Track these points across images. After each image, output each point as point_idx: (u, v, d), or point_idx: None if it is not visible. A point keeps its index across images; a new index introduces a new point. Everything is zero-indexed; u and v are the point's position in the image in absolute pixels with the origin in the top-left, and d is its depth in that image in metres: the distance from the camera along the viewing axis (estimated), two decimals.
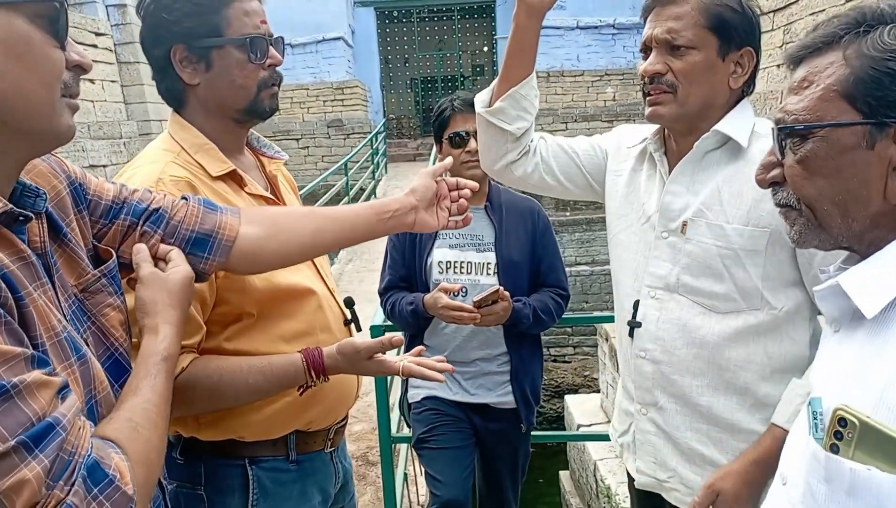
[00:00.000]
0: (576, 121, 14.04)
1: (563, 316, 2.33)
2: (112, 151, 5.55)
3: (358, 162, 12.08)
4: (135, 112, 7.32)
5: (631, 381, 1.54)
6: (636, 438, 1.54)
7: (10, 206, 0.76)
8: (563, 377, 10.99)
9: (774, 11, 4.62)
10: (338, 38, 15.32)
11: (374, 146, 13.31)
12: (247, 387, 1.22)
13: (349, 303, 1.46)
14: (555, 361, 11.58)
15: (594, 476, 5.44)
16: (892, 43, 0.75)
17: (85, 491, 0.68)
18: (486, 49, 20.28)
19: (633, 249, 1.51)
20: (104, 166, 4.85)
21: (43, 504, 0.65)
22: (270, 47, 1.31)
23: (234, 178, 1.32)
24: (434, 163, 9.90)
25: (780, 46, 4.59)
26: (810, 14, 4.25)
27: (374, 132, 13.82)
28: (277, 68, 1.33)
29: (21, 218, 0.77)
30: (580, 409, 6.54)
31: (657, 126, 1.49)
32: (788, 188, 0.85)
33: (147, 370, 0.89)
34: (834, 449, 0.74)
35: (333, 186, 9.86)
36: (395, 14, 18.45)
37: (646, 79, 1.38)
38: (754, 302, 1.35)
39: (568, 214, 13.33)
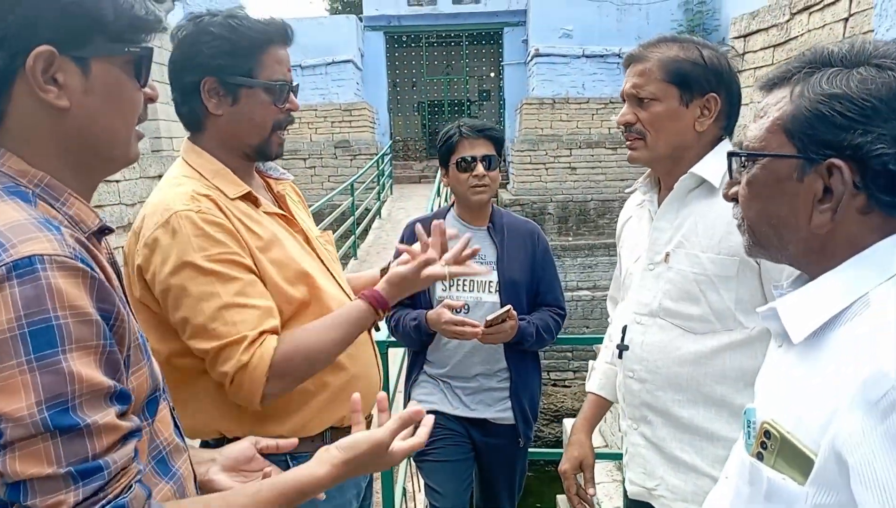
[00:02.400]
0: (580, 147, 14.17)
1: (566, 336, 2.41)
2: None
3: (364, 183, 12.21)
4: (147, 129, 7.45)
5: (623, 400, 1.65)
6: (628, 451, 1.65)
7: (104, 221, 0.89)
8: (562, 402, 10.99)
9: (774, 46, 4.74)
10: (347, 61, 15.54)
11: (381, 168, 13.44)
12: (334, 342, 1.36)
13: None
14: (554, 385, 11.58)
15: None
16: (826, 88, 0.81)
17: None
18: (492, 74, 20.52)
19: (633, 286, 1.64)
20: (117, 181, 4.97)
21: None
22: (291, 94, 1.44)
23: (249, 198, 1.42)
24: (439, 186, 9.89)
25: None
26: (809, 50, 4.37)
27: (380, 154, 13.96)
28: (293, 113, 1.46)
29: (106, 231, 0.90)
30: None
31: (648, 171, 1.66)
32: (739, 206, 0.94)
33: (281, 486, 0.96)
34: (759, 457, 0.83)
35: (339, 205, 9.97)
36: (404, 38, 18.72)
37: (622, 127, 1.56)
38: (728, 323, 1.46)
39: (570, 239, 13.42)
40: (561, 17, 14.84)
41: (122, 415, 0.80)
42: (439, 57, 20.47)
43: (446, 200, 11.27)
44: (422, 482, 4.14)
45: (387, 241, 10.47)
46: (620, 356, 1.63)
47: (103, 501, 0.76)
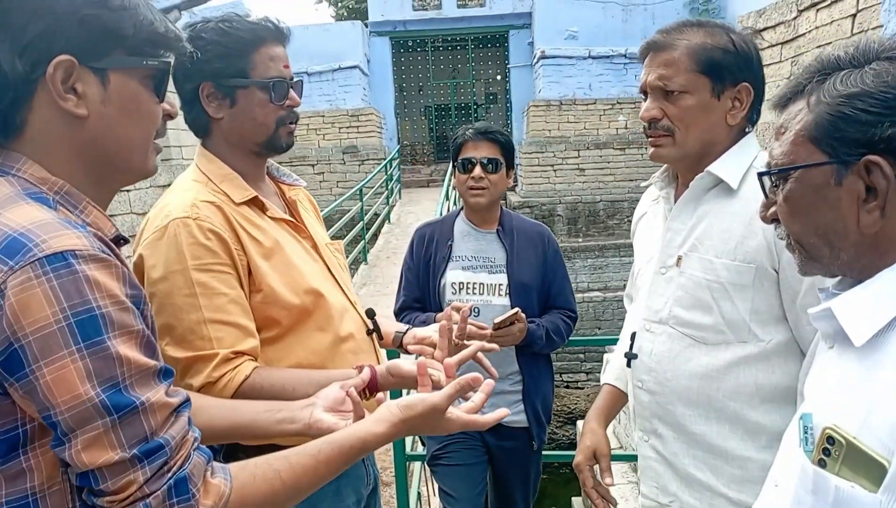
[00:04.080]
0: (588, 148, 14.15)
1: (578, 338, 2.40)
2: None
3: (373, 188, 12.25)
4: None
5: (633, 410, 1.59)
6: (640, 463, 1.59)
7: (119, 231, 0.92)
8: (575, 404, 10.95)
9: (782, 44, 4.71)
10: (354, 67, 15.59)
11: (389, 172, 13.47)
12: (308, 383, 1.31)
13: (370, 314, 1.55)
14: (567, 387, 11.55)
15: None
16: (842, 89, 0.82)
17: (165, 497, 0.81)
18: (499, 77, 20.51)
19: (644, 290, 1.55)
20: (128, 191, 5.02)
21: (134, 496, 0.80)
22: (291, 90, 1.43)
23: (256, 203, 1.43)
24: (447, 190, 9.87)
25: (788, 77, 4.68)
26: (817, 46, 4.34)
27: (388, 159, 13.99)
28: (295, 109, 1.45)
29: (121, 240, 0.92)
30: None
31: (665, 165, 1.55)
32: (781, 225, 0.93)
33: (342, 442, 1.01)
34: (821, 464, 0.79)
35: (348, 211, 10.00)
36: (410, 43, 18.75)
37: (645, 123, 1.45)
38: (742, 334, 1.38)
39: (580, 240, 13.39)
40: (566, 18, 14.84)
41: (167, 391, 0.85)
42: (445, 61, 20.48)
43: (455, 203, 11.28)
44: (436, 486, 4.15)
45: (396, 246, 10.49)
46: (629, 365, 1.55)
47: (168, 474, 0.82)
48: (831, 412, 0.81)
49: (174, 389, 0.86)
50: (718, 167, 1.41)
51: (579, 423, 7.39)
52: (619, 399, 1.73)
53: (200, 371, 1.27)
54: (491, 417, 1.09)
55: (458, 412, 1.08)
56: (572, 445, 8.39)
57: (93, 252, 0.79)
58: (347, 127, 15.14)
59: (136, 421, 0.79)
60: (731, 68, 1.37)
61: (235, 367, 1.29)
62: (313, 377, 1.32)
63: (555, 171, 14.24)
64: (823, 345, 0.91)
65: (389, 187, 13.36)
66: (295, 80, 1.45)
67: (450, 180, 11.05)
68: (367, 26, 16.94)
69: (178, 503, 0.82)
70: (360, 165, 14.77)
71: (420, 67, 19.98)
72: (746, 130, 1.46)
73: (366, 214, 10.65)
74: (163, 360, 0.87)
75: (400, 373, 1.33)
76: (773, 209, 0.93)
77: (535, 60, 15.46)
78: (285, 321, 1.37)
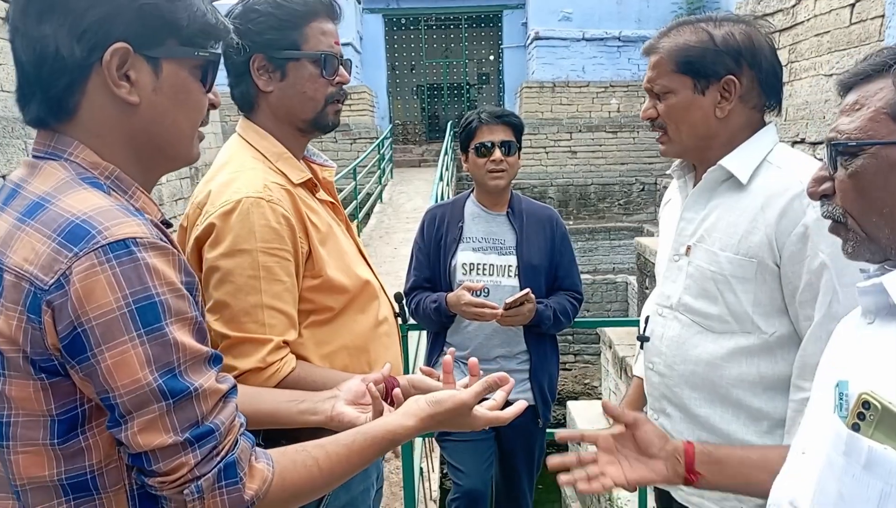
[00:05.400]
0: (580, 131, 14.18)
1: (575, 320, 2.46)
2: None
3: (366, 167, 12.21)
4: None
5: (646, 390, 1.67)
6: None
7: (164, 216, 0.94)
8: (563, 385, 11.08)
9: (780, 31, 4.75)
10: (346, 44, 15.43)
11: (381, 152, 13.44)
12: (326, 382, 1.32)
13: (398, 298, 1.59)
14: None
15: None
16: None
17: (214, 480, 0.84)
18: (491, 58, 20.45)
19: (659, 275, 1.62)
20: None
21: (185, 477, 0.83)
22: (341, 66, 1.43)
23: (308, 185, 1.44)
24: (442, 170, 9.81)
25: (785, 65, 4.73)
26: (815, 35, 4.39)
27: (381, 138, 13.95)
28: (344, 86, 1.45)
29: (166, 225, 0.95)
30: (583, 416, 6.65)
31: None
32: (836, 201, 0.92)
33: (374, 434, 1.03)
34: (855, 428, 0.82)
35: (342, 190, 9.99)
36: (403, 21, 18.63)
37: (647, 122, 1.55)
38: (745, 325, 1.43)
39: (571, 222, 13.46)
40: None
41: (217, 377, 0.88)
42: (438, 40, 20.37)
43: (448, 184, 11.29)
44: (435, 462, 4.23)
45: (389, 225, 10.50)
46: (642, 347, 1.63)
47: (216, 458, 0.85)
48: (868, 379, 0.84)
49: (222, 375, 0.89)
50: (730, 161, 1.45)
51: (569, 403, 7.49)
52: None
53: (250, 354, 1.27)
54: (512, 411, 1.12)
55: (482, 409, 1.11)
56: (559, 425, 8.50)
57: (152, 240, 0.82)
58: None
59: (189, 406, 0.82)
60: (713, 64, 1.42)
61: (283, 358, 1.30)
62: (345, 378, 1.33)
63: (546, 153, 14.26)
64: (862, 321, 0.93)
65: (381, 167, 13.33)
66: (344, 58, 1.45)
67: (443, 162, 11.06)
68: (359, 3, 16.77)
69: (227, 485, 0.85)
70: (351, 144, 14.70)
71: (413, 45, 19.88)
72: (762, 119, 1.49)
73: (359, 193, 10.64)
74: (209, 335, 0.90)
75: (426, 385, 1.29)
76: (826, 185, 0.92)
77: (529, 41, 15.42)
78: (337, 305, 1.39)
